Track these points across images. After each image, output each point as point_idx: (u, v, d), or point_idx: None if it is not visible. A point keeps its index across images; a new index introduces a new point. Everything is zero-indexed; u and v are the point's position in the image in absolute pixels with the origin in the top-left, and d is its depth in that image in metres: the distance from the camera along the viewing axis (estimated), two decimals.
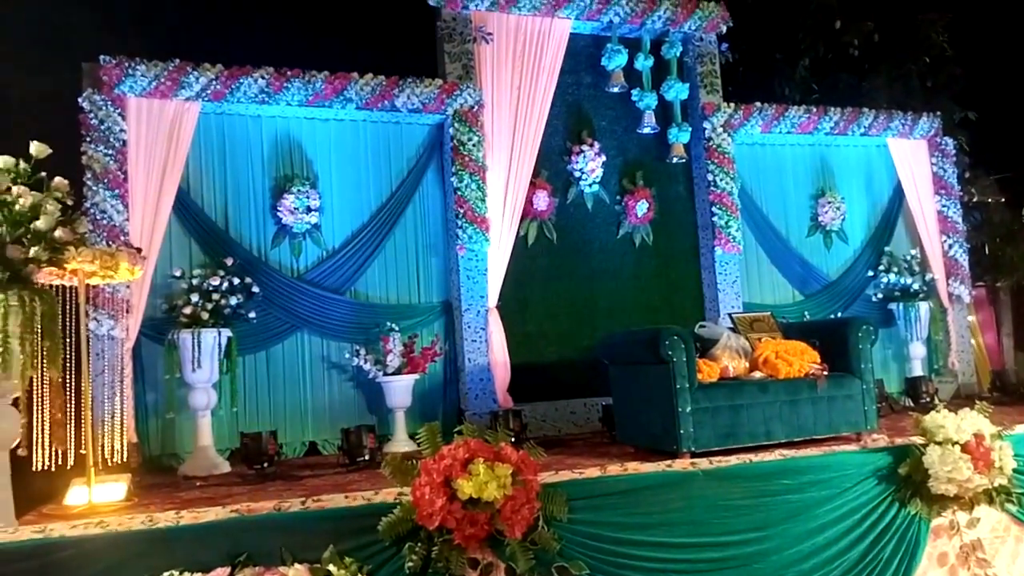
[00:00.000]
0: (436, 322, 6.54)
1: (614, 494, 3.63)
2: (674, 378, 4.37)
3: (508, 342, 6.43)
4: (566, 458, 4.69)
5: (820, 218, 7.75)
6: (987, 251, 8.57)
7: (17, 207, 3.66)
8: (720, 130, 7.22)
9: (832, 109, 7.70)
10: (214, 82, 5.77)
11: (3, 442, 3.65)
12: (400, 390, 5.96)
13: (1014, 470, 4.28)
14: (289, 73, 5.98)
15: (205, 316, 5.40)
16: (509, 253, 6.51)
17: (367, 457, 5.12)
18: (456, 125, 6.41)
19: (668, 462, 3.98)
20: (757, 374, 4.78)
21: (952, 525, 4.21)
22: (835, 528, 3.93)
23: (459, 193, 6.35)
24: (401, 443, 5.84)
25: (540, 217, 6.80)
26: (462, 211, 6.35)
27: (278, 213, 6.10)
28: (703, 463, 3.96)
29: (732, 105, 7.32)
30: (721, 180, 7.13)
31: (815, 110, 7.65)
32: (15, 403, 3.80)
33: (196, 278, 5.58)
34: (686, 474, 3.81)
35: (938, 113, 8.24)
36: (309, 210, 6.11)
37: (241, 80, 5.85)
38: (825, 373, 4.72)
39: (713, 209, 7.12)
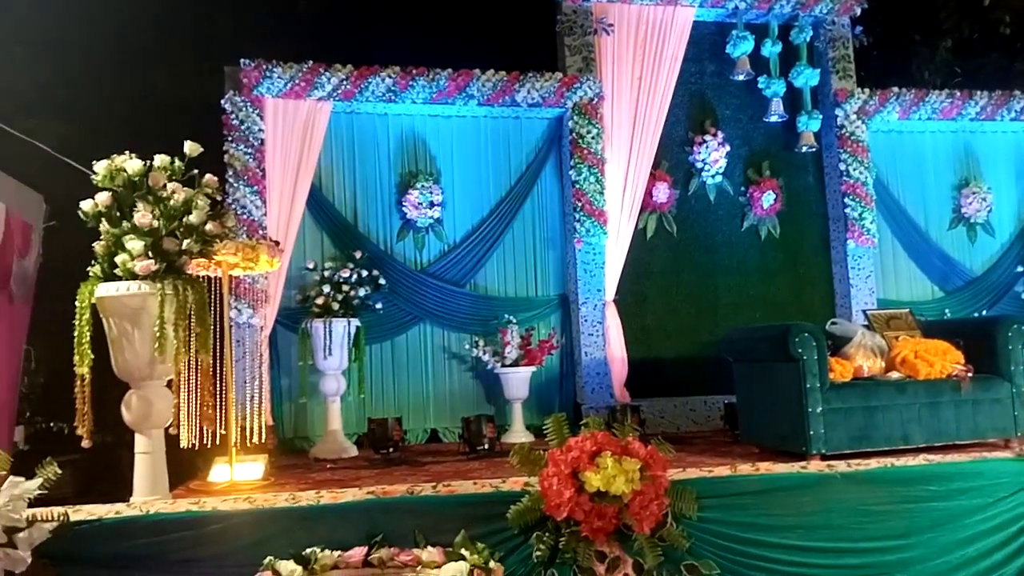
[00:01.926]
0: (553, 315, 6.56)
1: (746, 494, 3.55)
2: (804, 377, 4.20)
3: (626, 336, 6.38)
4: (687, 456, 4.60)
5: (963, 209, 7.24)
6: None
7: (172, 202, 3.92)
8: (853, 117, 6.87)
9: (978, 93, 7.16)
10: (344, 82, 6.00)
11: (159, 421, 3.92)
12: (517, 382, 6.02)
13: None
14: (414, 72, 6.14)
15: (336, 306, 5.64)
16: (627, 246, 6.45)
17: (486, 446, 5.21)
18: (575, 118, 6.39)
19: (803, 463, 3.83)
20: (894, 374, 4.53)
21: None
22: (988, 539, 3.68)
23: (577, 186, 6.34)
24: (519, 434, 5.90)
25: (660, 209, 6.69)
26: (580, 204, 6.33)
27: (403, 208, 6.29)
28: (840, 465, 3.79)
29: (866, 91, 6.94)
30: (854, 169, 6.79)
31: (959, 94, 7.14)
32: (168, 385, 4.09)
33: (328, 270, 5.85)
34: (823, 476, 3.67)
35: None
36: (432, 205, 6.26)
37: (370, 80, 6.05)
38: (970, 375, 4.43)
39: (845, 200, 6.78)
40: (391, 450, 5.12)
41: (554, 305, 6.57)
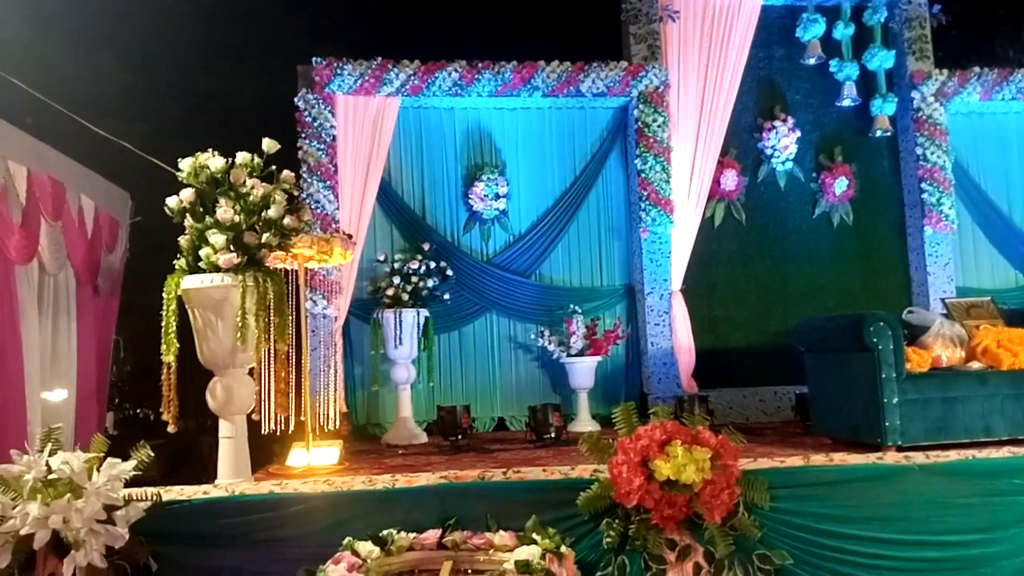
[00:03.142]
0: (619, 305, 6.57)
1: (820, 484, 3.50)
2: (879, 367, 4.10)
3: (693, 326, 6.34)
4: (757, 446, 4.55)
5: None
6: None
7: (252, 198, 4.07)
8: (931, 99, 6.64)
9: None
10: (412, 77, 6.12)
11: (241, 407, 4.09)
12: (583, 371, 6.05)
13: None
14: (480, 65, 6.21)
15: (405, 297, 5.78)
16: (694, 235, 6.40)
17: (553, 435, 5.25)
18: (641, 107, 6.36)
19: (879, 454, 3.76)
20: (975, 364, 4.38)
21: None
22: None
23: (642, 175, 6.31)
24: (585, 423, 5.94)
25: (728, 197, 6.61)
26: (645, 193, 6.31)
27: (469, 200, 6.38)
28: (918, 457, 3.70)
29: (945, 72, 6.70)
30: (932, 153, 6.57)
31: None
32: (250, 373, 4.26)
33: (397, 262, 5.99)
34: (900, 468, 3.58)
35: None
36: (498, 197, 6.34)
37: (437, 74, 6.15)
38: None
39: (922, 185, 6.57)
40: (460, 437, 5.22)
41: (620, 295, 6.57)
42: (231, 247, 3.90)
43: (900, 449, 3.96)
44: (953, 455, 3.74)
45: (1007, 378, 4.22)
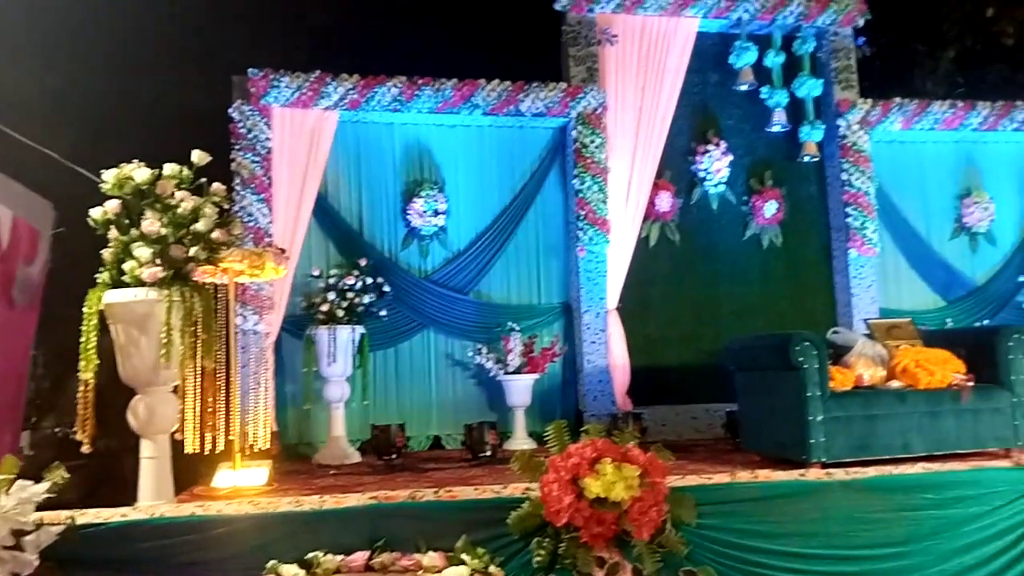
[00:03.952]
0: (556, 323, 6.60)
1: (745, 501, 3.57)
2: (805, 385, 4.22)
3: (628, 344, 6.41)
4: (689, 463, 4.62)
5: (965, 219, 7.26)
6: None
7: (180, 210, 3.98)
8: (856, 127, 6.91)
9: (981, 103, 7.19)
10: (351, 91, 6.08)
11: (164, 426, 3.97)
12: (520, 389, 6.07)
13: None
14: (420, 81, 6.21)
15: (341, 313, 5.69)
16: (630, 255, 6.49)
17: (489, 453, 5.24)
18: (579, 128, 6.45)
19: (801, 471, 3.86)
20: (895, 383, 4.54)
21: None
22: (986, 548, 3.70)
23: (580, 195, 6.39)
24: (521, 441, 5.94)
25: (663, 218, 6.73)
26: (583, 213, 6.38)
27: (408, 216, 6.35)
28: (838, 473, 3.81)
29: (869, 101, 6.98)
30: (856, 179, 6.82)
31: (961, 104, 7.16)
32: (174, 391, 4.14)
33: (333, 277, 5.90)
34: (821, 484, 3.69)
35: None
36: (437, 213, 6.32)
37: (376, 89, 6.13)
38: (971, 384, 4.43)
39: (847, 210, 6.81)
40: (394, 456, 5.16)
41: (557, 313, 6.62)
42: (157, 260, 3.81)
43: (825, 466, 4.07)
44: (871, 471, 3.86)
45: (924, 396, 4.38)
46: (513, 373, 6.05)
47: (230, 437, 4.51)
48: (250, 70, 6.00)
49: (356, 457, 5.55)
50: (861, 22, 7.05)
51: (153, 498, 3.71)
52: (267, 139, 5.93)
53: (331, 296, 5.74)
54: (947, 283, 7.20)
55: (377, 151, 6.42)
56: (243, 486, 4.23)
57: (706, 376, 6.29)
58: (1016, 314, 7.15)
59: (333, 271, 6.00)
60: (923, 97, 7.48)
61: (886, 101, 7.02)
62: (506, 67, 6.53)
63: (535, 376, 6.11)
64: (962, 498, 3.77)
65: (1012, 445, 4.40)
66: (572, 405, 6.47)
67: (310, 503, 3.47)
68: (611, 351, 6.37)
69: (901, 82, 8.27)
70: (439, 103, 6.25)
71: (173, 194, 3.97)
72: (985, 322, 7.04)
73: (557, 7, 6.59)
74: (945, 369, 4.51)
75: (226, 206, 4.20)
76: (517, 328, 6.22)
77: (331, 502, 3.47)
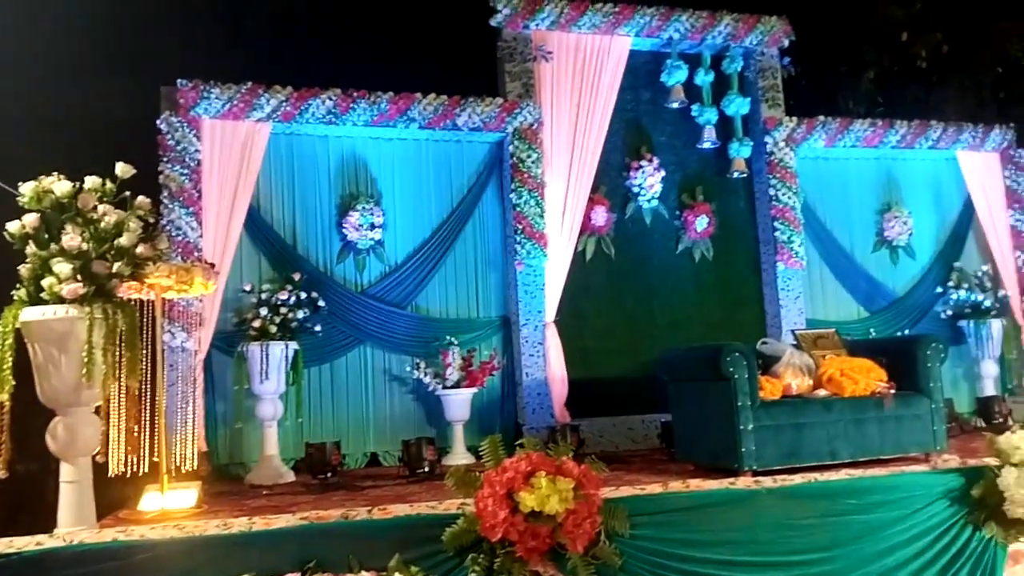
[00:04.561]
0: (494, 336, 6.61)
1: (677, 511, 3.62)
2: (735, 395, 4.32)
3: (566, 357, 6.46)
4: (625, 474, 4.68)
5: (886, 233, 7.58)
6: None
7: (103, 224, 3.86)
8: (782, 144, 7.15)
9: (899, 122, 7.54)
10: (284, 103, 5.99)
11: (85, 448, 3.82)
12: (459, 404, 6.04)
13: None
14: (355, 94, 6.17)
15: (273, 329, 5.58)
16: (567, 268, 6.55)
17: (427, 469, 5.19)
18: (516, 143, 6.50)
19: (731, 480, 3.94)
20: (821, 392, 4.69)
21: None
22: (905, 550, 3.83)
23: (518, 209, 6.43)
24: (460, 456, 5.91)
25: (598, 232, 6.82)
26: (520, 227, 6.42)
27: (343, 230, 6.27)
28: (767, 481, 3.91)
29: (794, 119, 7.24)
30: (783, 195, 7.05)
31: (881, 123, 7.50)
32: (96, 411, 3.99)
33: (265, 292, 5.78)
34: (750, 492, 3.77)
35: (1011, 125, 7.97)
36: (373, 227, 6.27)
37: (310, 101, 6.06)
38: (892, 392, 4.62)
39: (775, 224, 7.03)
40: (329, 475, 5.07)
41: (495, 326, 6.62)
42: (77, 277, 3.68)
43: (756, 473, 4.17)
44: (798, 478, 3.97)
45: (849, 404, 4.53)
46: (452, 387, 6.02)
47: (155, 459, 4.37)
48: (179, 81, 5.87)
49: (290, 476, 5.43)
50: (786, 43, 7.32)
51: (73, 524, 3.57)
52: (196, 151, 5.80)
53: (263, 311, 5.62)
54: (870, 294, 7.48)
55: (311, 164, 6.34)
56: (171, 509, 4.13)
57: (642, 387, 6.38)
58: (934, 324, 7.48)
59: (266, 286, 5.87)
60: (845, 116, 7.81)
61: (810, 119, 7.30)
62: (443, 81, 6.54)
63: (474, 390, 6.10)
64: (883, 503, 3.91)
65: (931, 450, 4.60)
66: (511, 418, 6.47)
67: (239, 525, 3.37)
68: (549, 364, 6.41)
69: (825, 101, 8.58)
70: (375, 116, 6.22)
71: (95, 208, 3.85)
72: (906, 332, 7.35)
73: (493, 23, 6.65)
74: (868, 378, 4.68)
75: (151, 220, 4.10)
76: (455, 342, 6.21)
77: (260, 524, 3.38)
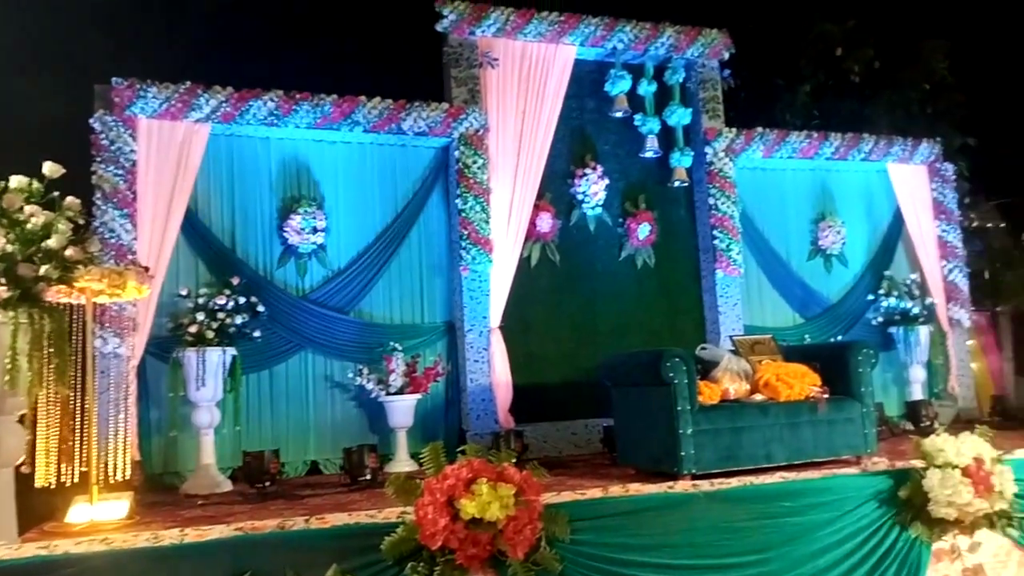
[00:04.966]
0: (439, 342, 6.58)
1: (616, 515, 3.65)
2: (675, 400, 4.39)
3: (510, 363, 6.47)
4: (567, 479, 4.70)
5: (820, 242, 7.81)
6: (987, 276, 8.59)
7: (29, 226, 3.73)
8: (722, 155, 7.30)
9: (833, 134, 7.78)
10: (224, 104, 5.87)
11: (8, 459, 3.69)
12: (402, 410, 5.99)
13: (1015, 495, 4.29)
14: (298, 96, 6.08)
15: (210, 335, 5.45)
16: (512, 274, 6.57)
17: (369, 477, 5.13)
18: (461, 148, 6.49)
19: (669, 484, 4.00)
20: (758, 396, 4.79)
21: (953, 549, 4.21)
22: (836, 551, 3.94)
23: (463, 215, 6.42)
24: (403, 463, 5.86)
25: (543, 239, 6.86)
26: (466, 232, 6.41)
27: (284, 233, 6.17)
28: (704, 485, 3.97)
29: (734, 130, 7.40)
30: (722, 204, 7.20)
31: (816, 135, 7.73)
32: (21, 420, 3.84)
33: (202, 297, 5.63)
34: (687, 496, 3.83)
35: (938, 139, 8.32)
36: (315, 231, 6.18)
37: (251, 102, 5.95)
38: (825, 396, 4.74)
39: (714, 232, 7.18)
40: (267, 484, 4.96)
41: (440, 332, 6.59)
42: (1, 280, 3.54)
43: (695, 477, 4.23)
44: (734, 482, 4.05)
45: (785, 409, 4.64)
46: (395, 394, 5.97)
47: (85, 468, 4.23)
48: (114, 79, 5.70)
49: (227, 486, 5.30)
50: (726, 55, 7.49)
51: None
52: (132, 151, 5.64)
53: (200, 316, 5.48)
54: (805, 301, 7.70)
55: (252, 166, 6.22)
56: (100, 520, 3.99)
57: (585, 392, 6.43)
58: (866, 330, 7.73)
59: (203, 290, 5.72)
60: (782, 128, 8.02)
61: (749, 131, 7.48)
62: (391, 85, 6.50)
63: (418, 396, 6.06)
64: (816, 505, 4.01)
65: (862, 452, 4.74)
66: (455, 424, 6.45)
67: (170, 537, 3.27)
68: (494, 369, 6.41)
69: (763, 113, 8.82)
70: (318, 119, 6.14)
71: (22, 208, 3.72)
72: (839, 338, 7.56)
73: (439, 28, 6.64)
74: (803, 382, 4.80)
75: (82, 221, 3.98)
76: (399, 348, 6.15)
77: (193, 535, 3.29)
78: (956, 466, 4.14)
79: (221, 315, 5.54)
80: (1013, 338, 8.72)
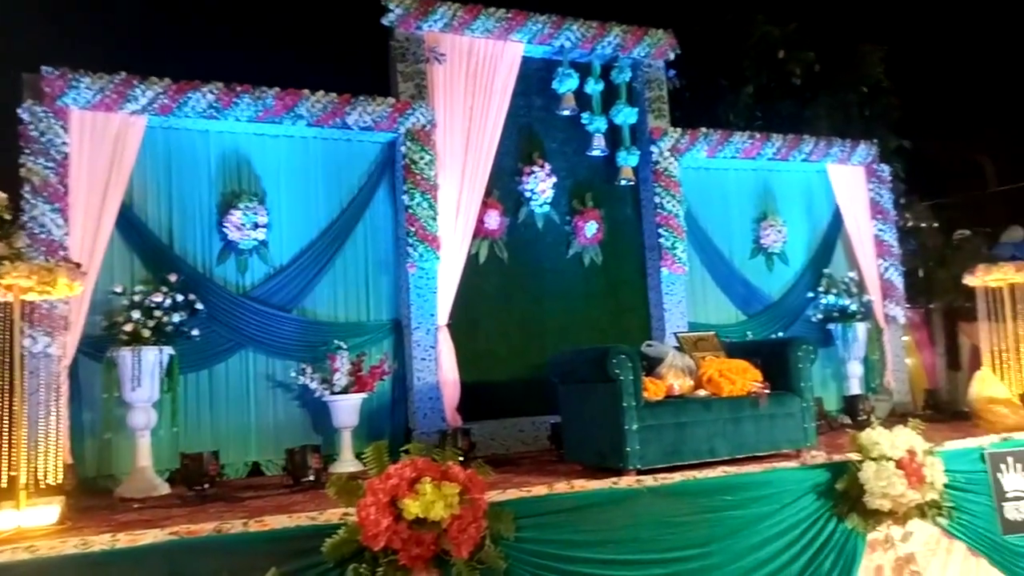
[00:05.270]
0: (385, 340, 6.50)
1: (561, 512, 3.66)
2: (621, 396, 4.42)
3: (458, 360, 6.43)
4: (514, 476, 4.69)
5: (762, 240, 7.96)
6: (921, 274, 8.89)
7: None
8: (667, 154, 7.39)
9: (774, 135, 7.95)
10: (161, 96, 5.69)
11: None
12: (347, 409, 5.90)
13: (945, 485, 4.45)
14: (239, 88, 5.93)
15: (146, 333, 5.28)
16: (460, 271, 6.53)
17: (312, 478, 5.05)
18: (408, 144, 6.42)
19: (614, 479, 4.02)
20: (701, 392, 4.86)
21: (887, 539, 4.35)
22: (776, 543, 4.02)
23: (410, 211, 6.35)
24: (347, 463, 5.77)
25: (491, 236, 6.84)
26: (413, 229, 6.34)
27: (224, 229, 6.01)
28: (648, 480, 4.01)
29: (679, 130, 7.49)
30: (668, 203, 7.29)
31: (758, 136, 7.87)
32: None
33: (138, 295, 5.45)
34: (631, 491, 3.86)
35: (875, 141, 8.56)
36: (256, 226, 6.03)
37: (189, 94, 5.78)
38: (767, 391, 4.84)
39: (660, 231, 7.25)
40: (206, 486, 4.84)
41: (386, 330, 6.51)
42: None
43: (640, 472, 4.26)
44: (678, 477, 4.09)
45: (727, 404, 4.71)
46: (340, 393, 5.87)
47: (13, 472, 4.06)
48: (44, 68, 5.47)
49: (165, 489, 5.15)
50: (672, 56, 7.58)
51: None
52: (63, 143, 5.42)
53: (135, 315, 5.31)
54: (747, 299, 7.85)
55: (191, 160, 6.03)
56: (28, 527, 3.84)
57: (533, 389, 6.42)
58: (806, 327, 7.92)
59: (138, 287, 5.53)
60: (726, 128, 8.15)
61: (694, 131, 7.58)
62: (335, 79, 6.39)
63: (363, 395, 5.96)
64: (756, 498, 4.10)
65: (802, 446, 4.84)
66: (402, 423, 6.38)
67: (100, 543, 3.15)
68: (441, 367, 6.36)
69: (707, 113, 8.96)
70: (259, 112, 6.00)
71: None
72: (780, 334, 7.73)
73: (385, 22, 6.55)
74: (745, 378, 4.89)
75: (8, 216, 3.81)
76: (344, 346, 6.05)
77: (125, 540, 3.17)
78: (890, 458, 4.27)
79: (158, 313, 5.37)
80: (945, 334, 9.03)
